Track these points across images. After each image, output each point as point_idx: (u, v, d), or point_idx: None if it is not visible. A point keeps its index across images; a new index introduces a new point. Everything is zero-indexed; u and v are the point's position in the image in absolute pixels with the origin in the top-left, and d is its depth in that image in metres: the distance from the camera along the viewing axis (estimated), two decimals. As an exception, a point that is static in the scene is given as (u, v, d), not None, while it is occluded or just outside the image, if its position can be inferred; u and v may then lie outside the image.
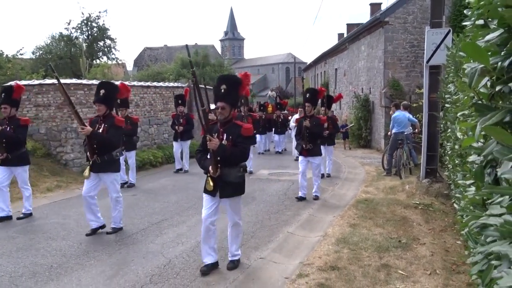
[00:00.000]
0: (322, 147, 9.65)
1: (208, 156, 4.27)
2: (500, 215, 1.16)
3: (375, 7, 24.62)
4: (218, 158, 4.17)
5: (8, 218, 6.48)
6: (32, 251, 5.14)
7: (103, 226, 5.87)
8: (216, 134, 4.30)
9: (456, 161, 4.64)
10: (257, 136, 15.85)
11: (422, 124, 8.25)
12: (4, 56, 15.22)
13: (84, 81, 11.48)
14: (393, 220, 6.11)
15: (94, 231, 5.78)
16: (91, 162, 5.60)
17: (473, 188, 1.96)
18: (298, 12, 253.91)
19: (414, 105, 12.04)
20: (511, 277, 0.89)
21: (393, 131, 10.17)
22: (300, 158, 7.93)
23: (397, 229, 5.71)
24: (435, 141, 7.97)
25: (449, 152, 5.54)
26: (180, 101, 10.93)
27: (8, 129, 6.40)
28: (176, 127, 10.86)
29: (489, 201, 1.45)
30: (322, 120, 8.05)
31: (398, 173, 9.72)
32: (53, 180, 9.27)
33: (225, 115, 4.29)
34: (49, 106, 10.38)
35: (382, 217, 6.28)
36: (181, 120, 10.80)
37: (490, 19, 1.59)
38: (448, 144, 5.53)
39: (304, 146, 7.71)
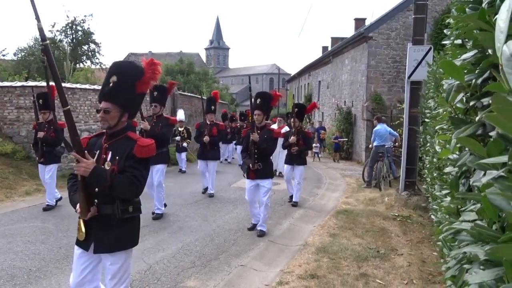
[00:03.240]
0: (289, 167, 8.23)
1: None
2: (472, 221, 1.26)
3: (359, 22, 25.18)
4: (96, 189, 2.70)
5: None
6: (10, 255, 5.06)
7: None
8: (98, 152, 2.81)
9: (434, 174, 4.78)
10: (238, 147, 15.84)
11: (402, 138, 8.45)
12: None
13: (68, 85, 11.41)
14: (372, 231, 6.23)
15: None
16: None
17: (448, 198, 2.07)
18: (284, 23, 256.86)
19: (397, 122, 12.25)
20: (479, 276, 0.98)
21: (374, 144, 10.38)
22: (247, 182, 6.20)
23: (376, 240, 5.83)
24: (415, 155, 8.18)
25: (427, 166, 5.70)
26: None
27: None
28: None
29: (463, 209, 1.55)
30: (275, 133, 6.27)
31: (378, 185, 9.90)
32: (32, 183, 9.12)
33: (111, 122, 2.75)
34: (31, 109, 10.23)
35: (362, 228, 6.41)
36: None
37: (466, 40, 1.72)
38: (427, 157, 5.69)
39: (251, 166, 5.99)
